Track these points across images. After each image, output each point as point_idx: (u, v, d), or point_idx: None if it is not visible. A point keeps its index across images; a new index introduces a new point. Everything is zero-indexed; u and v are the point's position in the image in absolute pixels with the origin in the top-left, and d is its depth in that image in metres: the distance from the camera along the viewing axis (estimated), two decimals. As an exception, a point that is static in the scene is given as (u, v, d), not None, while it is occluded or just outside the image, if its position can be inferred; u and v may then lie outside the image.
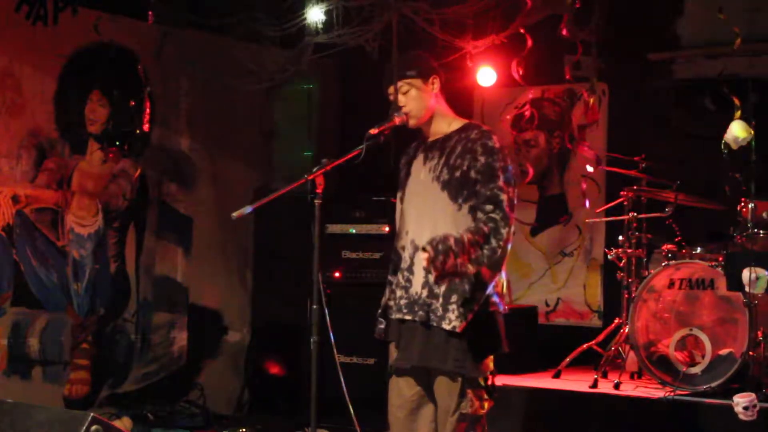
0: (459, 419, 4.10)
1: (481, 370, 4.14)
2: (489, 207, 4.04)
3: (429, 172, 4.22)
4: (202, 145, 7.37)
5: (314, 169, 4.01)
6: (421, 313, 4.16)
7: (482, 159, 4.12)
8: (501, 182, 4.09)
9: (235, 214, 3.98)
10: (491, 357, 4.21)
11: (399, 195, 4.39)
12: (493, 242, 4.00)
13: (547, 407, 5.84)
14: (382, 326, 4.35)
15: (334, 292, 6.34)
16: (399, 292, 4.27)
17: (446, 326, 4.07)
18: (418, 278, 4.20)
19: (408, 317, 4.22)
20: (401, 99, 4.23)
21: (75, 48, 6.59)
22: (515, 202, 4.13)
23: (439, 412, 4.19)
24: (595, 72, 6.44)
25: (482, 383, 4.15)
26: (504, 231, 4.02)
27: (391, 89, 4.28)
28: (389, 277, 4.36)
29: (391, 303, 4.31)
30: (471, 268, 3.99)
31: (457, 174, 4.13)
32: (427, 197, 4.21)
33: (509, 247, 4.06)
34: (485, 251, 3.99)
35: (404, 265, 4.27)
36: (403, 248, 4.29)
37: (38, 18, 6.37)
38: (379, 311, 4.36)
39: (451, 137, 4.24)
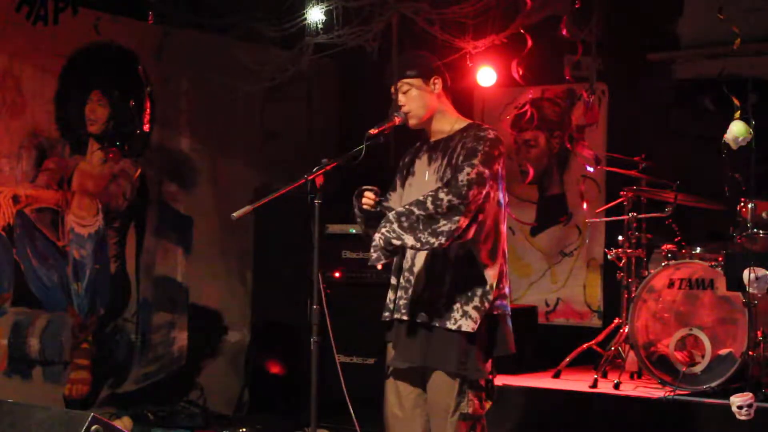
0: (459, 419, 4.10)
1: (482, 372, 4.14)
2: (451, 181, 4.01)
3: (434, 173, 4.22)
4: (202, 145, 7.38)
5: (314, 169, 4.00)
6: (422, 313, 4.15)
7: (470, 144, 4.12)
8: (477, 160, 4.05)
9: (235, 214, 3.98)
10: (492, 359, 4.21)
11: (400, 193, 4.37)
12: (441, 220, 3.96)
13: (547, 407, 5.84)
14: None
15: (334, 292, 6.33)
16: (399, 293, 4.26)
17: (451, 326, 4.07)
18: (419, 279, 4.19)
19: (407, 318, 4.21)
20: (401, 99, 4.22)
21: (75, 48, 6.59)
22: (485, 179, 4.03)
23: (436, 412, 4.17)
24: (595, 72, 6.44)
25: (482, 384, 4.16)
26: (450, 206, 3.96)
27: (395, 90, 4.26)
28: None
29: (391, 306, 4.31)
30: (409, 239, 3.99)
31: None
32: None
33: (457, 220, 3.96)
34: (421, 220, 3.98)
35: (406, 265, 4.26)
36: (405, 250, 4.29)
37: (38, 18, 6.38)
38: (386, 315, 4.32)
39: (454, 137, 4.23)
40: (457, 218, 3.96)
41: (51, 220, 6.48)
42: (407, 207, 4.03)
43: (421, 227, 3.98)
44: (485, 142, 4.11)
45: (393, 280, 4.32)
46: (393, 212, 4.05)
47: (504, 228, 4.23)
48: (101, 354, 6.73)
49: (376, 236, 4.05)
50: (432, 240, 3.97)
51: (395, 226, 4.01)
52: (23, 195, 6.34)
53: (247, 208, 4.02)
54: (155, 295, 7.10)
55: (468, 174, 4.01)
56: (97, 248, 6.72)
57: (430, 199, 3.99)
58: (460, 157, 4.11)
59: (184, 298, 7.29)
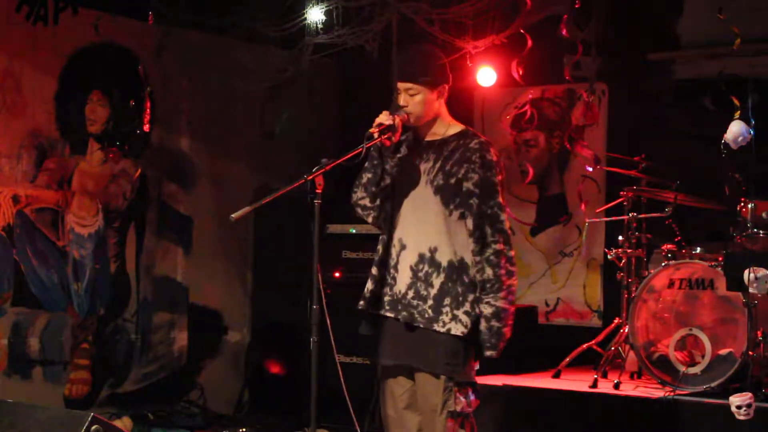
0: (448, 416, 4.10)
1: (469, 374, 4.16)
2: (494, 236, 4.14)
3: (423, 175, 4.21)
4: (202, 145, 7.37)
5: (314, 169, 4.00)
6: (404, 313, 4.15)
7: (480, 173, 4.11)
8: (500, 198, 4.13)
9: (233, 216, 3.97)
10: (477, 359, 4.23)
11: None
12: (509, 278, 4.21)
13: (547, 407, 5.84)
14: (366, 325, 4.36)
15: (334, 292, 6.33)
16: (384, 288, 4.25)
17: (439, 328, 4.07)
18: (403, 277, 4.19)
19: (390, 315, 4.21)
20: (406, 99, 4.18)
21: (75, 48, 6.59)
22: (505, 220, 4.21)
23: (425, 410, 4.17)
24: (595, 72, 6.45)
25: (468, 382, 4.16)
26: (510, 253, 4.20)
27: (398, 86, 4.20)
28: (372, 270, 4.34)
29: (368, 295, 4.29)
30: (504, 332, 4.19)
31: (452, 181, 4.13)
32: (419, 199, 4.20)
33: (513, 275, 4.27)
34: (508, 287, 4.21)
35: (392, 262, 4.25)
36: (390, 245, 4.27)
37: (38, 18, 6.37)
38: (362, 304, 4.32)
39: (448, 142, 4.21)
40: (514, 276, 4.26)
41: (51, 220, 6.48)
42: (490, 323, 4.14)
43: (502, 317, 4.18)
44: (492, 170, 4.14)
45: (374, 271, 4.30)
46: (484, 320, 4.14)
47: None
48: (101, 354, 6.73)
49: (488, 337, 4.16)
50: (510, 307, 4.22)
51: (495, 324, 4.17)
52: (23, 195, 6.34)
53: (246, 209, 4.01)
54: (155, 295, 7.10)
55: (502, 216, 4.17)
56: (97, 248, 6.72)
57: (501, 298, 4.19)
58: (469, 182, 4.10)
59: (184, 298, 7.28)
